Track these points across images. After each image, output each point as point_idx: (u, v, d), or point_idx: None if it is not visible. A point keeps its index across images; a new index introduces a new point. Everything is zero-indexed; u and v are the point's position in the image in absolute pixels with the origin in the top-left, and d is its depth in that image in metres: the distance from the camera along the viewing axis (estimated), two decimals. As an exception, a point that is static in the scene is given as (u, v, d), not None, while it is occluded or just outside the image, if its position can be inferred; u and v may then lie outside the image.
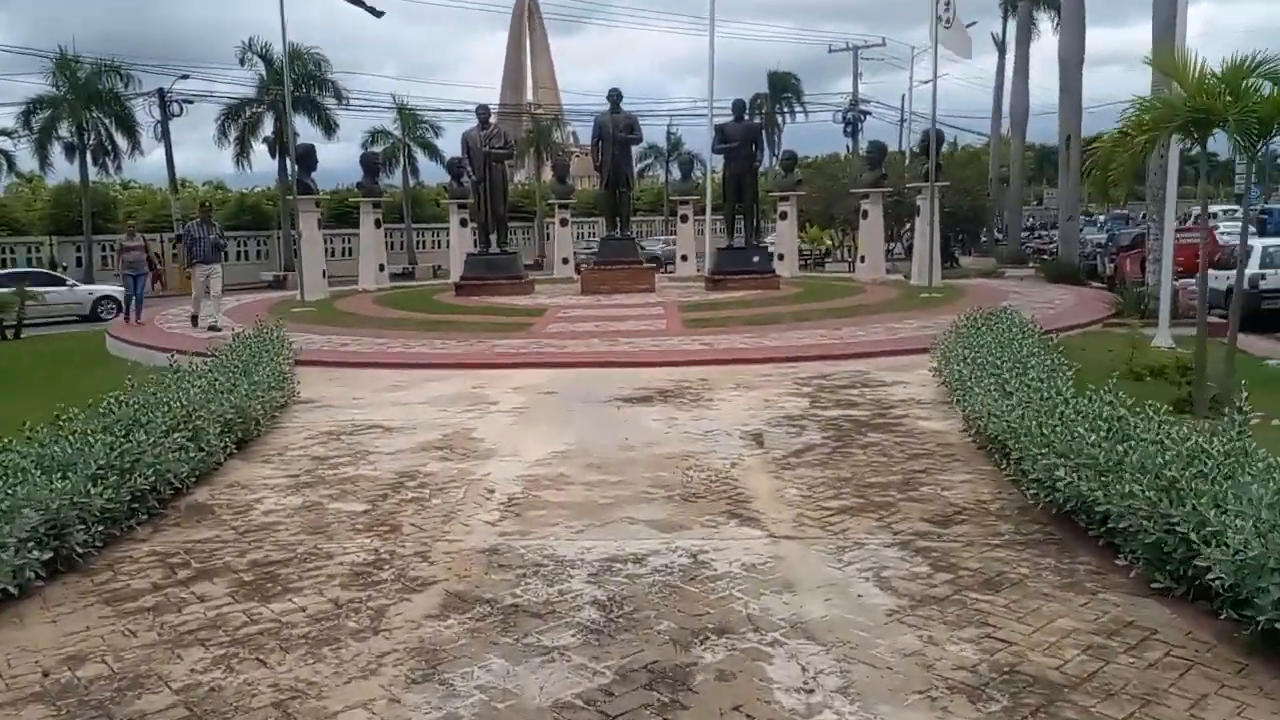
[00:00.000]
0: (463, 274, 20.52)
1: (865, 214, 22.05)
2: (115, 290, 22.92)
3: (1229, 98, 7.61)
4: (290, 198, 22.49)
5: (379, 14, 18.67)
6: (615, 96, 20.11)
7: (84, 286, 25.01)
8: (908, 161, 39.58)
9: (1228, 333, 9.57)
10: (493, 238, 20.50)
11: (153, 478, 5.61)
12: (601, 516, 5.58)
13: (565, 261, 26.10)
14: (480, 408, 9.05)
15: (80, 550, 4.83)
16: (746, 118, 20.67)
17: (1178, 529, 4.03)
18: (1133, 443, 4.76)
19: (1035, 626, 3.93)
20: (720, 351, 12.00)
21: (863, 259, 22.41)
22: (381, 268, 22.81)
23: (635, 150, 26.11)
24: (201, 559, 5.05)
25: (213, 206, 16.48)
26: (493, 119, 20.17)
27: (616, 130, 19.93)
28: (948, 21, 17.33)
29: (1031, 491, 5.32)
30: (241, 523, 5.71)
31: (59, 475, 4.87)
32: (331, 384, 10.64)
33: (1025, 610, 4.10)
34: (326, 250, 42.50)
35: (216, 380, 7.64)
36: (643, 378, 10.50)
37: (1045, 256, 33.16)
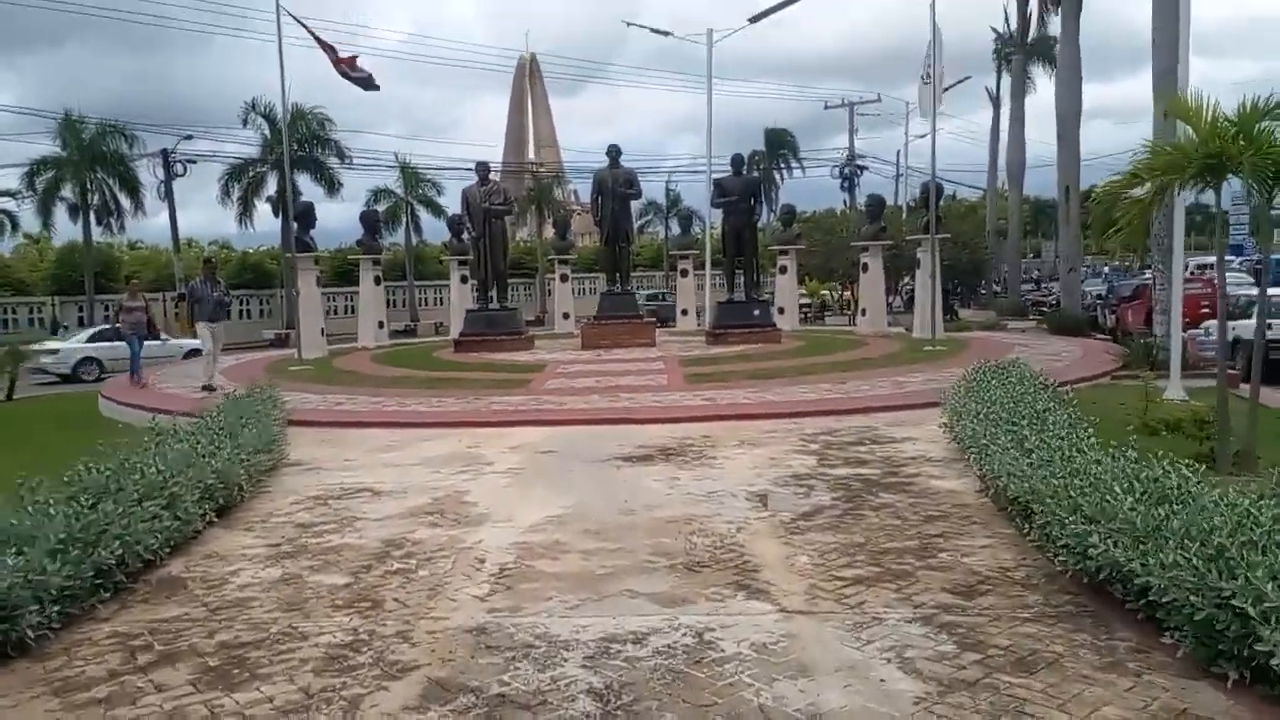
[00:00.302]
0: (462, 330, 20.29)
1: (865, 267, 21.88)
2: (98, 347, 22.61)
3: (1242, 142, 7.40)
4: (290, 255, 22.30)
5: (373, 88, 18.69)
6: (614, 152, 20.07)
7: (65, 345, 23.86)
8: (905, 215, 39.72)
9: (1243, 384, 9.29)
10: (492, 294, 20.30)
11: (120, 550, 5.25)
12: (599, 589, 5.21)
13: (566, 317, 25.91)
14: (474, 469, 8.70)
15: (33, 633, 4.45)
16: (745, 172, 20.59)
17: (1231, 604, 3.67)
18: (1173, 506, 4.42)
19: (1078, 716, 3.55)
20: (723, 407, 11.67)
21: (864, 312, 22.20)
22: (381, 325, 22.59)
23: (635, 205, 26.12)
24: (166, 641, 4.67)
25: (217, 264, 16.10)
26: (493, 175, 20.07)
27: (615, 185, 19.85)
28: (925, 77, 17.32)
29: (1060, 559, 4.95)
30: (214, 598, 5.33)
31: (13, 551, 4.51)
32: (323, 445, 10.29)
33: (1065, 696, 3.72)
34: (328, 308, 42.75)
35: (199, 443, 7.30)
36: (644, 435, 10.16)
37: (1045, 309, 33.06)
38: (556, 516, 6.80)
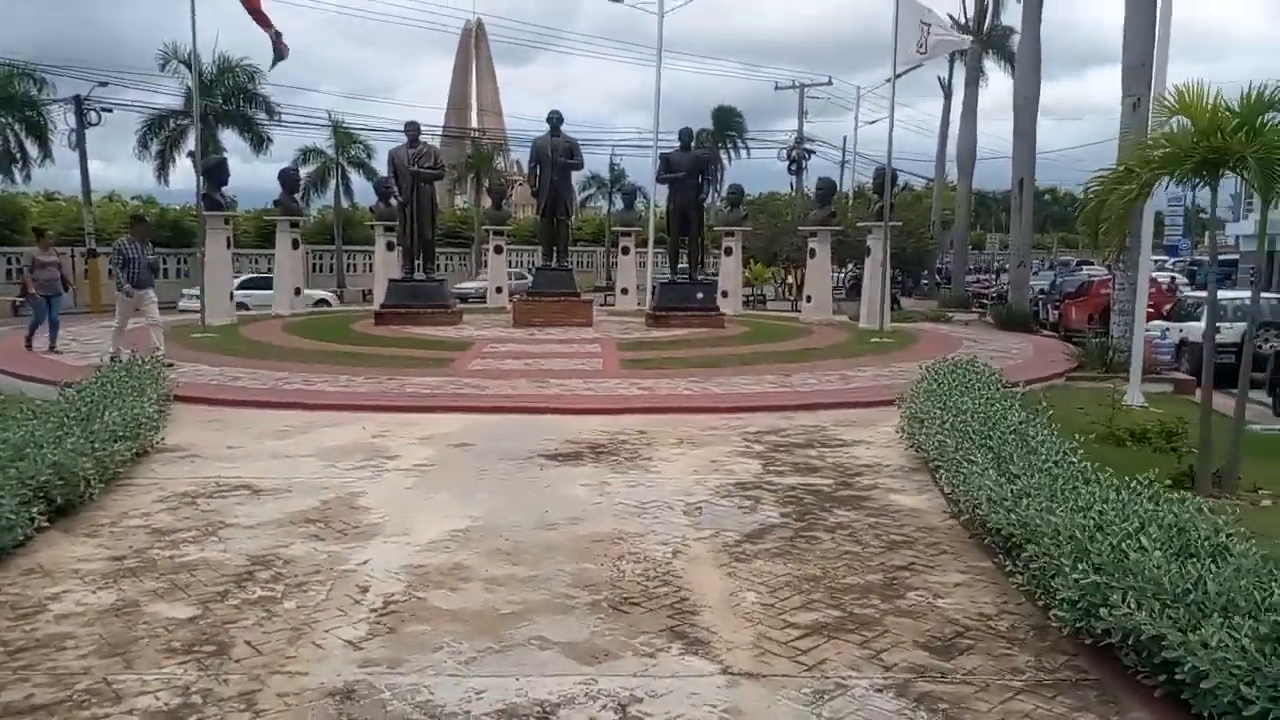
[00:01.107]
0: (384, 301, 19.03)
1: (813, 252, 21.16)
2: None
3: (1243, 135, 6.69)
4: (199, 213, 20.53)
5: (281, 56, 17.18)
6: (555, 119, 18.90)
7: None
8: (851, 201, 39.20)
9: (1199, 391, 8.71)
10: (418, 263, 19.05)
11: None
12: (503, 634, 4.25)
13: (499, 291, 24.73)
14: (375, 464, 7.64)
15: None
16: (693, 148, 19.61)
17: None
18: (1204, 561, 3.61)
19: None
20: (661, 398, 10.76)
21: (809, 299, 21.48)
22: (298, 291, 21.16)
23: (577, 178, 25.01)
24: (-72, 702, 3.59)
25: (148, 221, 13.87)
26: (423, 137, 18.75)
27: (556, 154, 18.70)
28: (920, 47, 16.50)
29: (1058, 613, 4.13)
30: (20, 635, 4.25)
31: None
32: (208, 427, 9.12)
33: (1089, 818, 2.88)
34: (251, 271, 40.77)
35: (36, 432, 6.13)
36: (573, 428, 9.20)
37: (986, 301, 32.83)
38: (463, 531, 5.81)
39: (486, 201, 46.58)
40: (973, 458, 6.00)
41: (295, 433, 8.91)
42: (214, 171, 18.24)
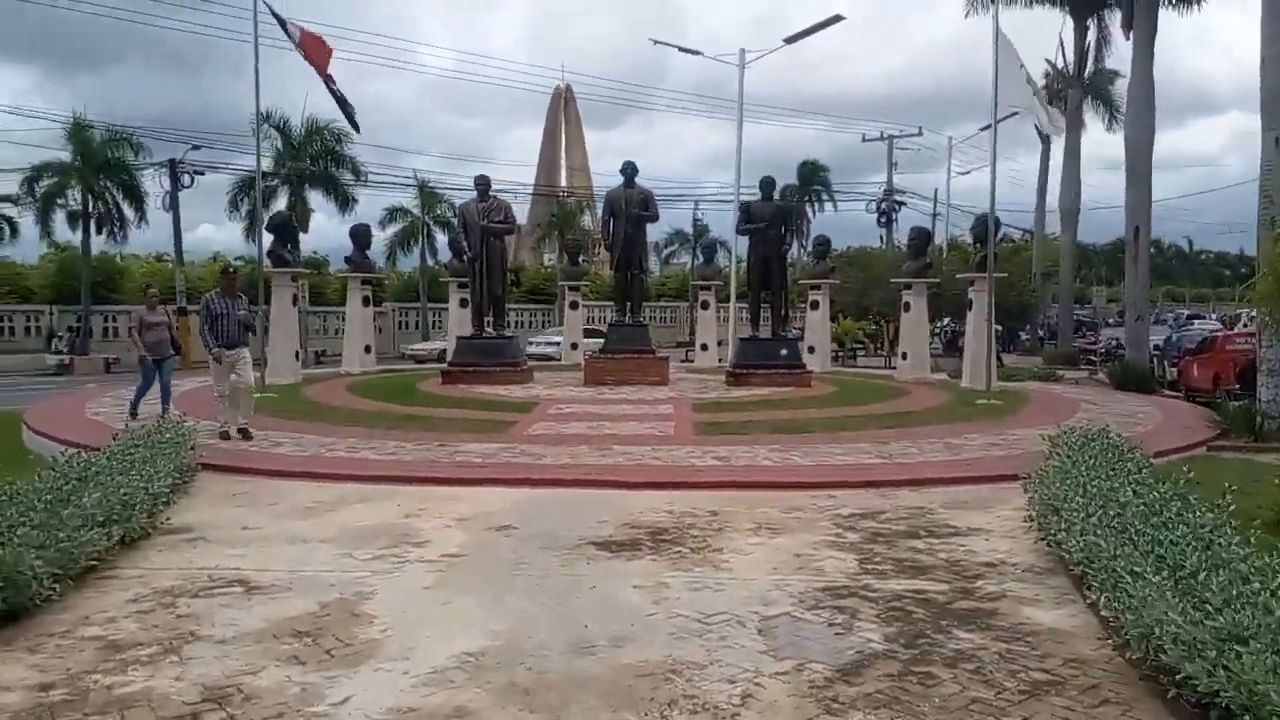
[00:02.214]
0: (451, 359, 18.23)
1: (907, 306, 19.63)
2: None
3: None
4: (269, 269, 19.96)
5: (356, 128, 16.87)
6: (629, 170, 18.02)
7: None
8: (945, 254, 37.39)
9: None
10: (488, 319, 18.23)
11: None
12: (494, 840, 3.01)
13: (574, 347, 23.80)
14: (398, 553, 6.53)
15: None
16: (776, 197, 18.44)
17: None
18: None
19: None
20: (737, 471, 9.46)
21: (904, 356, 19.91)
22: (368, 349, 20.56)
23: (659, 232, 24.21)
24: None
25: (237, 273, 12.28)
26: (504, 193, 18.06)
27: (630, 207, 17.77)
28: (1035, 92, 15.16)
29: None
30: None
31: None
32: (230, 502, 8.19)
33: None
34: (319, 329, 41.02)
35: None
36: (634, 505, 7.98)
37: (1092, 358, 30.58)
38: (477, 654, 4.61)
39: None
40: (1138, 568, 4.56)
41: (323, 510, 7.90)
42: (280, 228, 17.83)
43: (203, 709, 3.98)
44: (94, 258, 39.94)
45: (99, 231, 37.55)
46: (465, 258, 18.21)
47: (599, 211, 57.35)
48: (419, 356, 25.99)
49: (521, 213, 66.85)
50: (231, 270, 12.22)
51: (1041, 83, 28.80)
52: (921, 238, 20.36)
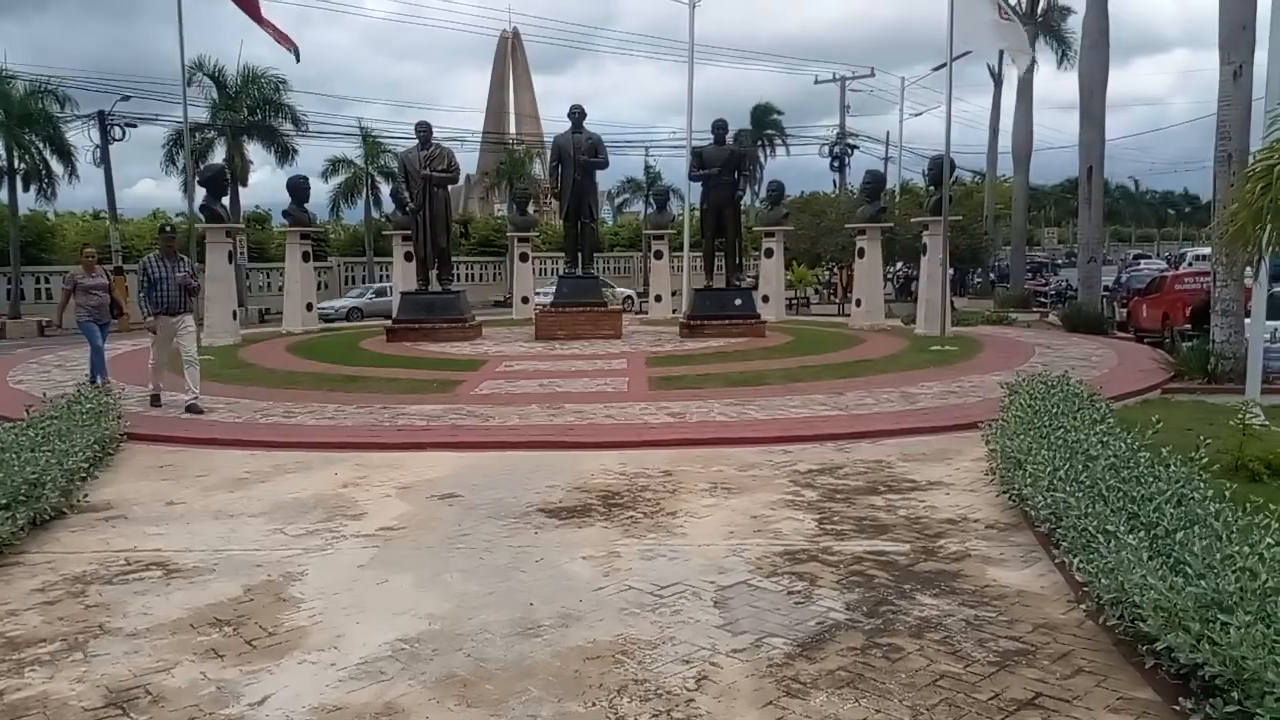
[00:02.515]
0: (396, 316, 17.65)
1: (861, 252, 19.40)
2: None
3: None
4: (203, 225, 18.95)
5: (296, 55, 15.88)
6: (577, 114, 17.42)
7: None
8: (898, 198, 37.23)
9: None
10: (433, 274, 17.67)
11: None
12: None
13: (525, 301, 23.30)
14: (333, 527, 6.15)
15: None
16: (729, 141, 17.97)
17: None
18: None
19: None
20: (692, 427, 9.18)
21: (858, 303, 19.73)
22: (310, 307, 19.86)
23: (610, 179, 23.64)
24: None
25: (176, 232, 11.50)
26: (453, 143, 17.37)
27: (578, 153, 17.20)
28: (1002, 13, 14.75)
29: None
30: None
31: None
32: (157, 475, 7.73)
33: None
34: (264, 285, 39.85)
35: None
36: (585, 468, 7.67)
37: (1043, 299, 30.77)
38: (412, 640, 4.27)
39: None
40: (1110, 526, 4.35)
41: (255, 481, 7.47)
42: (212, 181, 16.98)
43: (105, 715, 3.61)
44: (23, 216, 38.33)
45: (25, 188, 35.96)
46: (408, 209, 17.56)
47: (549, 160, 56.31)
48: (326, 315, 24.94)
49: (470, 161, 65.48)
50: (170, 229, 11.25)
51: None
52: (876, 182, 20.07)
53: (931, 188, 17.70)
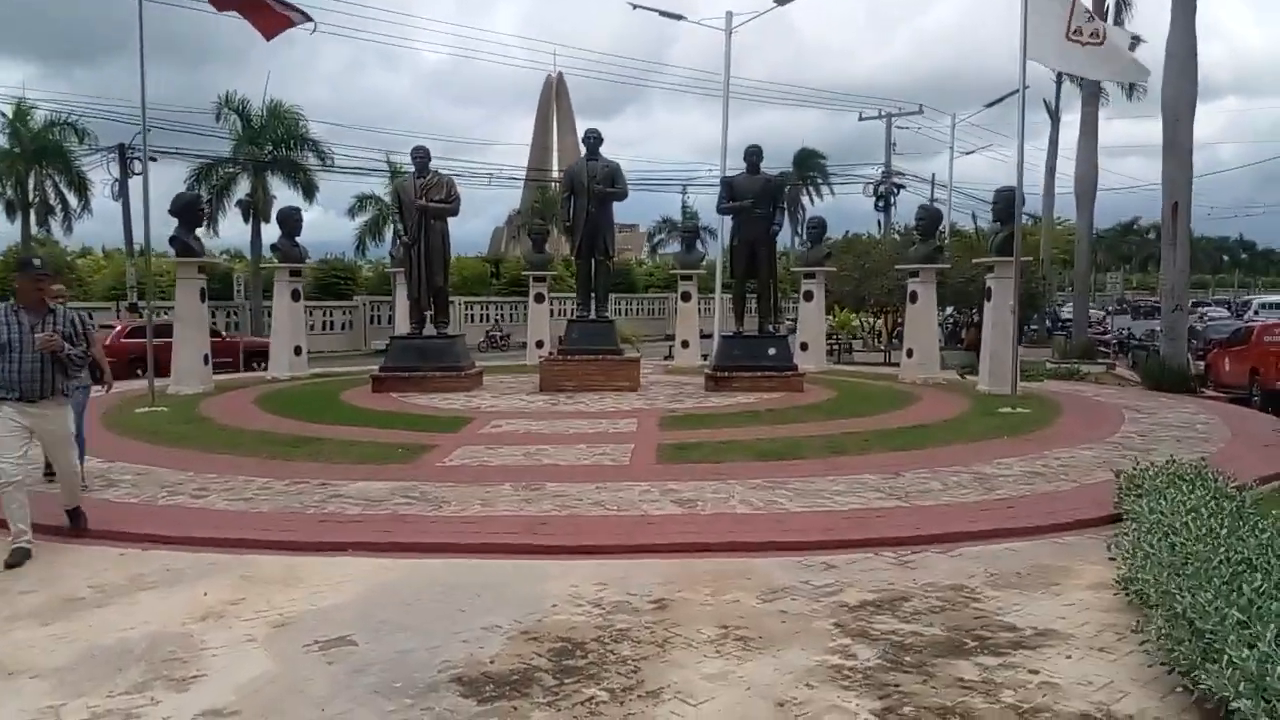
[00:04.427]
0: (384, 363, 15.65)
1: (914, 296, 17.13)
2: None
3: None
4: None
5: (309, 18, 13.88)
6: (593, 139, 15.47)
7: None
8: (946, 239, 34.87)
9: None
10: (428, 315, 15.70)
11: None
12: None
13: (540, 345, 21.27)
14: (134, 709, 4.04)
15: None
16: (764, 171, 15.84)
17: None
18: None
19: None
20: (705, 524, 6.98)
21: (909, 353, 17.42)
22: (299, 351, 17.97)
23: (626, 212, 21.65)
24: None
25: (46, 269, 6.95)
26: (433, 164, 15.42)
27: (593, 181, 15.22)
28: (1096, 35, 12.61)
29: None
30: None
31: None
32: (-29, 588, 5.70)
33: None
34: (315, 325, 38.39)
35: None
36: (549, 590, 5.53)
37: (1104, 348, 28.22)
38: None
39: (564, 249, 43.71)
40: None
41: (90, 605, 5.41)
42: (185, 211, 15.22)
43: None
44: (39, 251, 37.45)
45: (40, 223, 34.96)
46: (400, 242, 15.68)
47: (560, 189, 54.72)
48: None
49: (514, 199, 64.38)
50: (36, 263, 6.82)
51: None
52: (931, 218, 17.81)
53: (997, 224, 15.44)
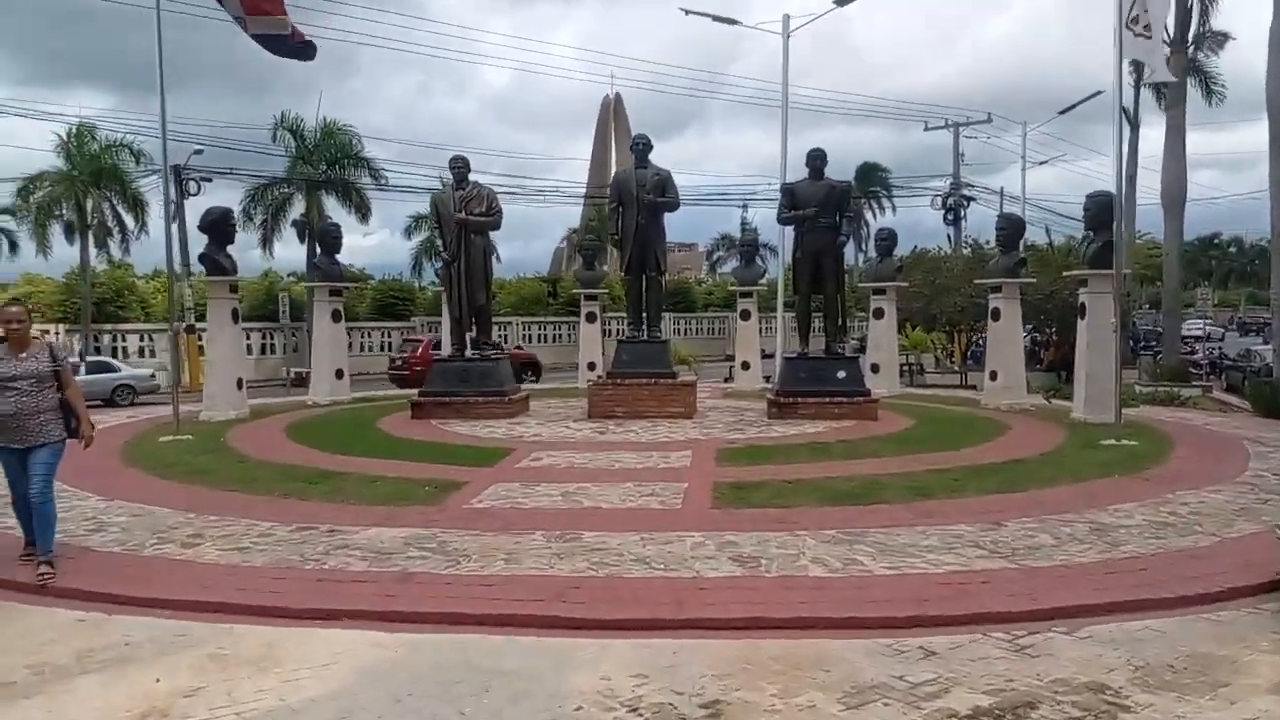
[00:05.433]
0: (423, 388, 14.73)
1: (996, 313, 15.68)
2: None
3: None
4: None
5: (309, 55, 13.31)
6: (641, 145, 14.40)
7: None
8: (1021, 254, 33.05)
9: None
10: (470, 336, 14.75)
11: None
12: None
13: (591, 368, 20.22)
14: None
15: None
16: (828, 176, 14.59)
17: None
18: None
19: None
20: (769, 591, 5.78)
21: (993, 375, 15.94)
22: (340, 374, 17.19)
23: (680, 225, 20.63)
24: None
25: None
26: (472, 175, 14.48)
27: (642, 191, 14.13)
28: (1134, 26, 11.37)
29: None
30: None
31: None
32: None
33: None
34: (359, 345, 38.09)
35: None
36: (574, 685, 4.43)
37: (1194, 368, 26.22)
38: None
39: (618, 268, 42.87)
40: None
41: (15, 696, 4.44)
42: (215, 227, 14.53)
43: None
44: (103, 273, 37.83)
45: (99, 245, 35.14)
46: (443, 259, 14.78)
47: (608, 199, 53.89)
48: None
49: (576, 219, 64.00)
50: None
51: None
52: (1014, 228, 16.33)
53: (1089, 233, 13.98)
